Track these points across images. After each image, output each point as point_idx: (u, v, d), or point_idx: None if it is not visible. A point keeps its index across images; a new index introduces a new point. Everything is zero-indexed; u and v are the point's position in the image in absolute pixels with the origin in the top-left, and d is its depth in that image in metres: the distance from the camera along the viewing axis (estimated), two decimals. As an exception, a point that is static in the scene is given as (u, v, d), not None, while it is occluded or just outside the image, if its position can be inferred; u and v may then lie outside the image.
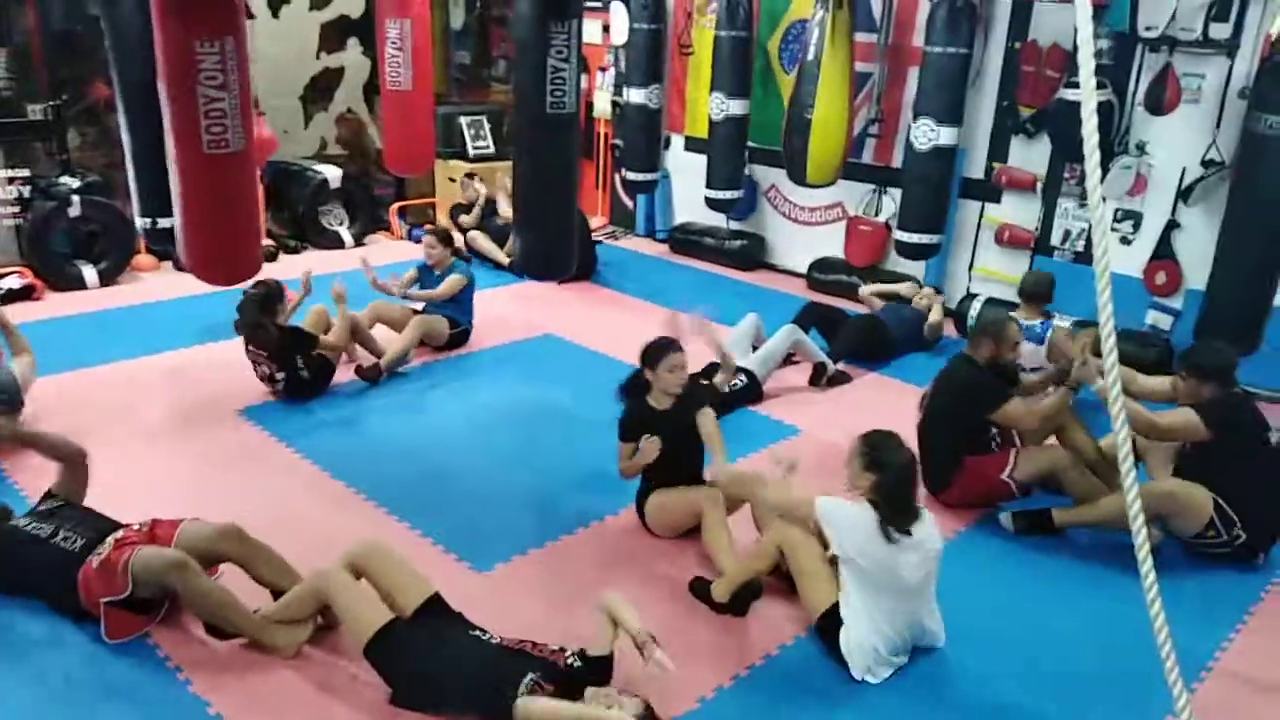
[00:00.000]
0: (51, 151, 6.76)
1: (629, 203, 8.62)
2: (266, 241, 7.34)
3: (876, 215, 6.96)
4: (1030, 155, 6.20)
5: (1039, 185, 6.16)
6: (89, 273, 6.45)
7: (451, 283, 5.62)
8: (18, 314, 5.74)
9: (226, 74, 3.24)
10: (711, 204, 7.18)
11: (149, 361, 5.29)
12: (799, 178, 6.37)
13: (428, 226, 6.74)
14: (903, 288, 6.24)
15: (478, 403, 5.05)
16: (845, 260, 7.07)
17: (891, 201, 6.78)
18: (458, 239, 6.60)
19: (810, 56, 6.13)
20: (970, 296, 6.29)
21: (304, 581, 3.08)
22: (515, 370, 5.53)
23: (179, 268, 6.80)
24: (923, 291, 6.17)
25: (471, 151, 8.47)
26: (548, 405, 5.05)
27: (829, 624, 3.08)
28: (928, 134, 5.84)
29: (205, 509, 3.37)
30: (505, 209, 7.51)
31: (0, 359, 4.50)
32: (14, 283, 6.11)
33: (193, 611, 3.09)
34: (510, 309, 6.48)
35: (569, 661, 2.76)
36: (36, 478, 3.72)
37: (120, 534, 3.15)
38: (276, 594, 3.15)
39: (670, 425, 3.66)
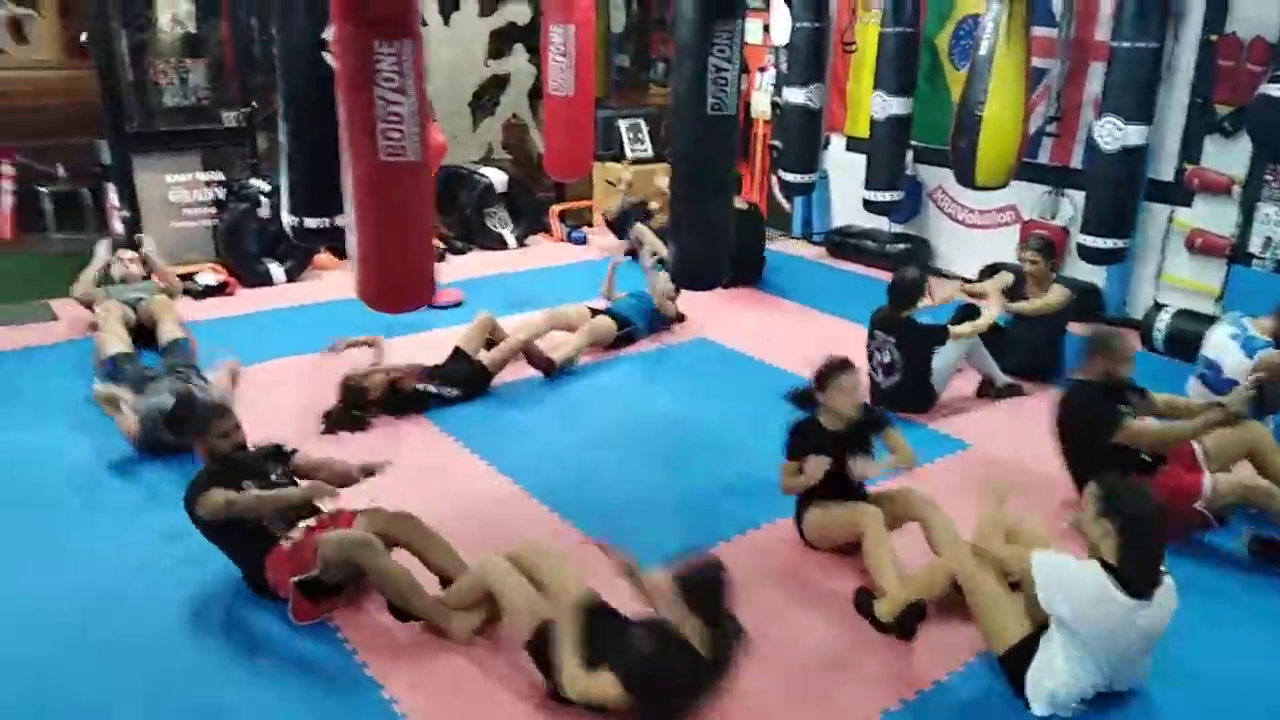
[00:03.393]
0: (243, 156, 7.26)
1: (785, 204, 8.51)
2: (435, 243, 7.64)
3: (1053, 218, 6.60)
4: (1227, 156, 5.74)
5: (1236, 188, 5.69)
6: (276, 270, 6.88)
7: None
8: (213, 309, 6.25)
9: (405, 78, 3.12)
10: (870, 206, 6.97)
11: (330, 354, 5.58)
12: (968, 179, 6.11)
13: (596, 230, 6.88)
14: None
15: (634, 404, 5.09)
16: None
17: (1070, 204, 6.41)
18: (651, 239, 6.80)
19: (983, 51, 5.87)
20: (1158, 307, 5.87)
21: (469, 571, 3.18)
22: (670, 372, 5.55)
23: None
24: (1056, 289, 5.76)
25: (630, 154, 8.56)
26: (701, 409, 5.03)
27: (1016, 659, 2.89)
28: (1114, 133, 5.49)
29: (381, 498, 3.53)
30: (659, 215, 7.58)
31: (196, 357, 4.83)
32: (210, 279, 6.58)
33: (378, 590, 3.24)
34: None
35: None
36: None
37: (312, 520, 3.34)
38: (445, 581, 3.27)
39: (840, 447, 3.54)
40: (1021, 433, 4.66)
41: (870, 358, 4.93)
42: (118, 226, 6.18)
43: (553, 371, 5.30)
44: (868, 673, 3.05)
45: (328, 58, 3.77)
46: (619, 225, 7.80)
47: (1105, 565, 2.70)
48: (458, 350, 5.16)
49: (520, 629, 2.91)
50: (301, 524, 3.34)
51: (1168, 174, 5.99)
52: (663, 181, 7.39)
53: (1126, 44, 5.39)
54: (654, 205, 7.64)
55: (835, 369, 3.57)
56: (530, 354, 5.31)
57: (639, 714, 2.70)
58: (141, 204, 6.73)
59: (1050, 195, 6.60)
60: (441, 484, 4.18)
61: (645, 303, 6.00)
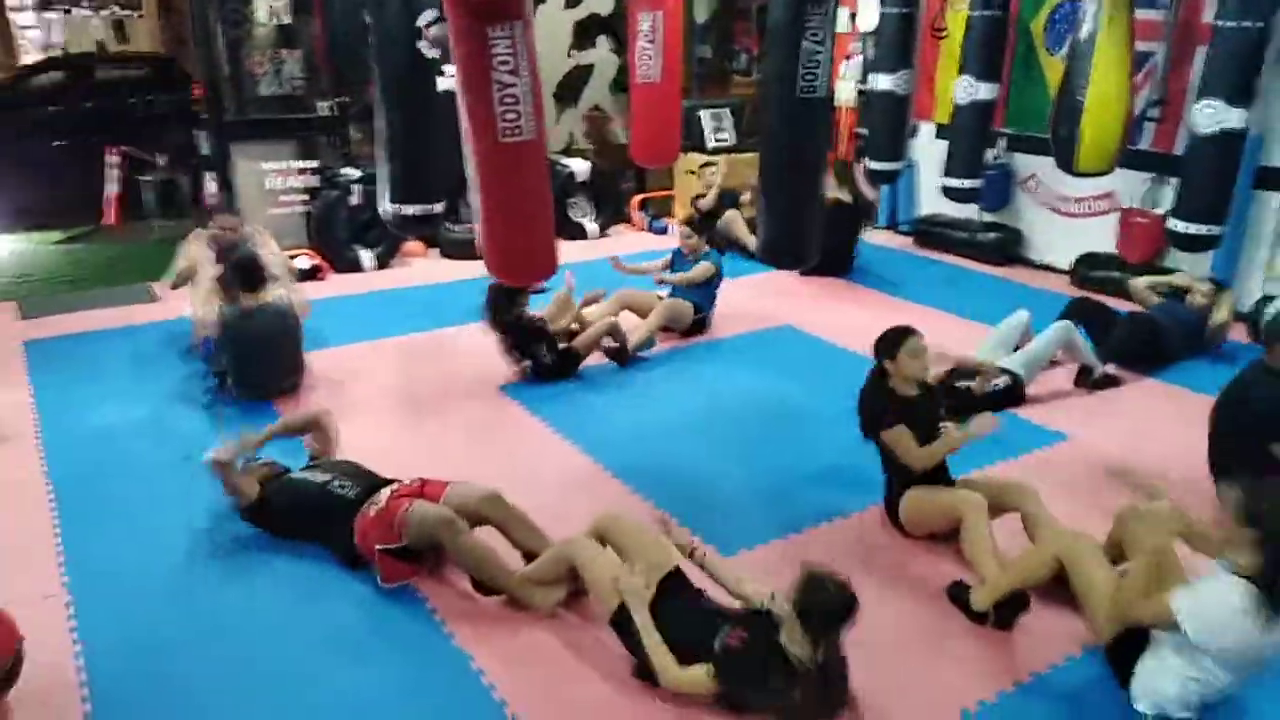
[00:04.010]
0: (335, 145, 7.44)
1: (871, 193, 8.36)
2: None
3: (1154, 207, 6.35)
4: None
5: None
6: (366, 257, 7.03)
7: (702, 269, 5.73)
8: (306, 293, 6.40)
9: (518, 59, 3.18)
10: (949, 193, 6.78)
11: (418, 338, 5.70)
12: (1069, 165, 5.90)
13: (676, 219, 6.87)
14: (1178, 277, 5.62)
15: (717, 390, 5.05)
16: (1118, 255, 6.51)
17: (1173, 192, 6.15)
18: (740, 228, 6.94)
19: (1084, 35, 5.66)
20: (1267, 299, 5.61)
21: (554, 547, 3.18)
22: (754, 360, 5.50)
23: (445, 254, 7.34)
24: (1202, 288, 5.54)
25: (711, 143, 8.51)
26: (785, 396, 4.98)
27: (1122, 651, 2.76)
28: (1213, 116, 5.25)
29: (467, 473, 3.58)
30: (747, 207, 7.53)
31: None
32: (303, 264, 6.74)
33: (459, 566, 3.28)
34: (753, 298, 6.47)
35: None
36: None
37: (395, 487, 3.40)
38: (529, 557, 3.29)
39: (920, 413, 3.49)
40: (1121, 423, 4.50)
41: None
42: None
43: (625, 360, 5.29)
44: (963, 663, 2.96)
45: (423, 46, 3.85)
46: (713, 215, 7.72)
47: (1242, 576, 2.46)
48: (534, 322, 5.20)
49: (605, 604, 2.91)
50: (385, 490, 3.39)
51: (1280, 160, 5.72)
52: (751, 177, 7.37)
53: (1230, 23, 5.15)
54: (745, 197, 7.59)
55: (902, 333, 3.53)
56: (609, 343, 5.32)
57: (728, 699, 2.68)
58: (238, 191, 6.95)
59: (1152, 183, 6.35)
60: (521, 459, 4.22)
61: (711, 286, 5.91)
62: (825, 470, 4.15)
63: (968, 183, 6.64)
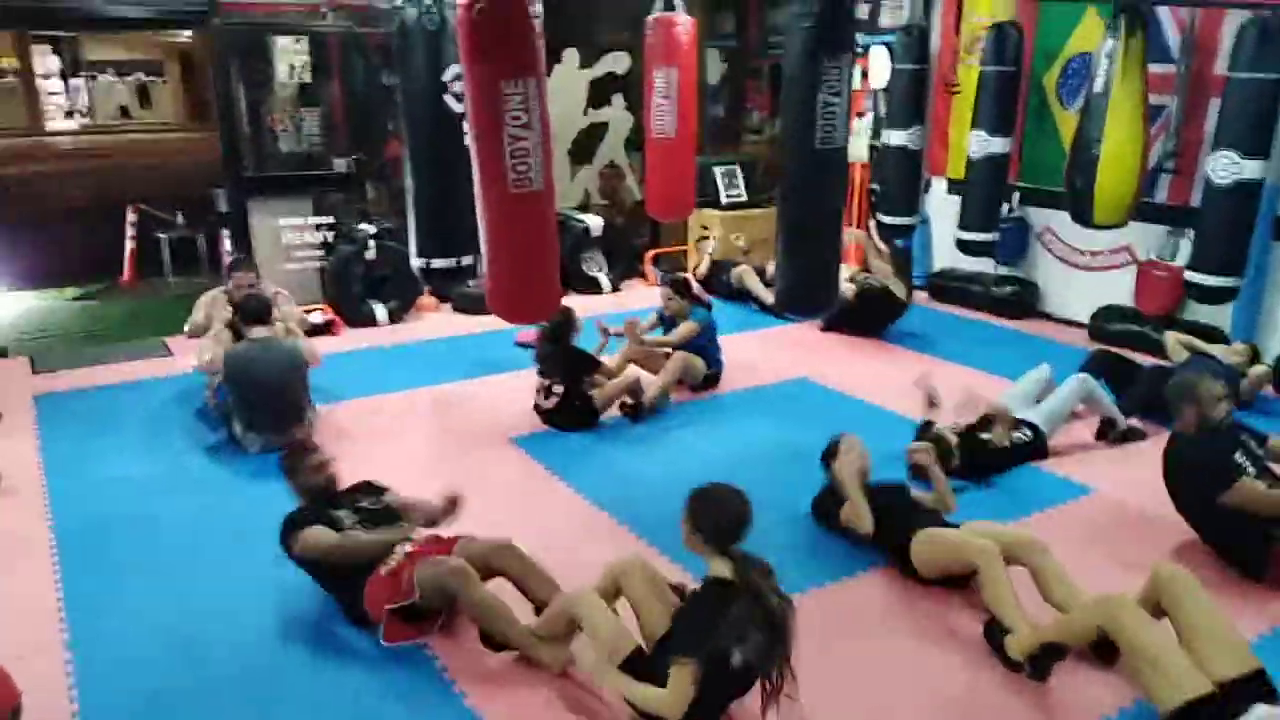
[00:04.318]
0: (351, 201, 7.51)
1: (882, 248, 8.34)
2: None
3: (1173, 259, 6.31)
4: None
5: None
6: (380, 311, 7.04)
7: (683, 330, 5.63)
8: (320, 347, 6.38)
9: (530, 113, 3.29)
10: (964, 246, 6.79)
11: (429, 391, 5.66)
12: (1085, 218, 5.89)
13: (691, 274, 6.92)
14: (1217, 349, 5.51)
15: (734, 442, 4.97)
16: (1135, 308, 6.45)
17: (1190, 244, 6.11)
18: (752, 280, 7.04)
19: (1098, 87, 5.69)
20: (1291, 350, 5.53)
21: (558, 600, 3.09)
22: (771, 411, 5.42)
23: (457, 309, 7.35)
24: (1237, 347, 5.47)
25: (724, 199, 8.57)
26: (803, 448, 4.84)
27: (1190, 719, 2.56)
28: (1229, 167, 5.26)
29: (477, 524, 3.50)
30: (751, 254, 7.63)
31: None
32: (317, 318, 6.74)
33: (470, 619, 3.19)
34: (767, 351, 6.42)
35: None
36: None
37: (408, 546, 3.32)
38: (540, 610, 3.19)
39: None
40: (1145, 475, 4.37)
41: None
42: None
43: (640, 415, 5.22)
44: (998, 715, 2.85)
45: (450, 101, 3.93)
46: (712, 280, 7.81)
47: None
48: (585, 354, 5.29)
49: (610, 661, 2.79)
50: (400, 549, 3.31)
51: (1298, 211, 5.68)
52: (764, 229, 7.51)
53: (1243, 75, 5.18)
54: (741, 243, 7.64)
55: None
56: (626, 400, 5.25)
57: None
58: (254, 247, 6.99)
59: (1169, 235, 6.32)
60: (534, 512, 4.14)
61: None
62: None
63: (983, 236, 6.66)
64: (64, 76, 18.43)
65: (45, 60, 17.07)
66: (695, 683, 2.58)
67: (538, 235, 3.52)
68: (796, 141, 3.95)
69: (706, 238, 8.35)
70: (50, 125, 16.44)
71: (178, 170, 9.44)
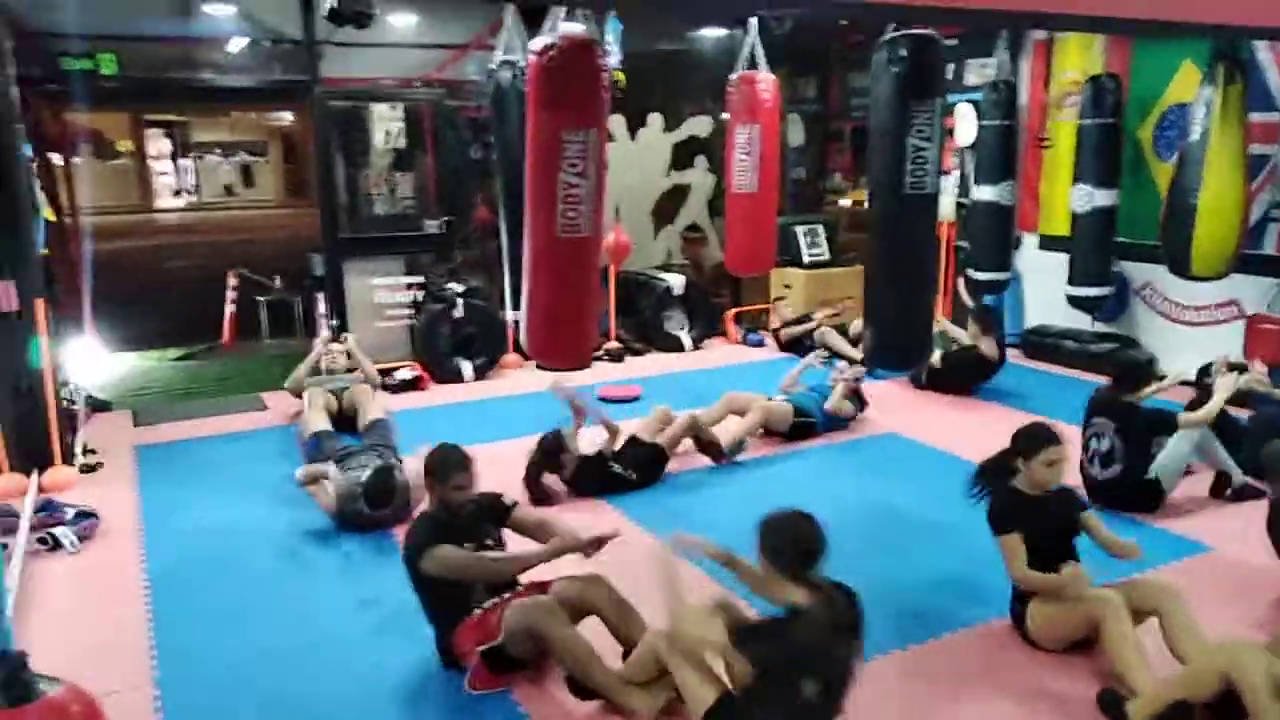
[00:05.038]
0: (441, 261, 7.70)
1: (970, 303, 8.17)
2: (614, 344, 7.77)
3: (1283, 312, 6.02)
4: None
5: None
6: (466, 367, 7.14)
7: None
8: (408, 401, 6.51)
9: (587, 162, 3.32)
10: (1074, 301, 6.60)
11: (515, 444, 5.66)
12: (1183, 270, 5.68)
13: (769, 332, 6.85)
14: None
15: (819, 494, 4.80)
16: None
17: (1302, 296, 5.84)
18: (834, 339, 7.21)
19: (1195, 137, 5.53)
20: None
21: (646, 639, 3.00)
22: (859, 465, 5.30)
23: (540, 366, 7.41)
24: None
25: (806, 258, 8.53)
26: (894, 502, 4.74)
27: None
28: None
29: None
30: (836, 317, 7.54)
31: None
32: (406, 375, 6.90)
33: (556, 660, 3.11)
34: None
35: None
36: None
37: (508, 594, 3.27)
38: (629, 652, 3.10)
39: (1046, 517, 3.25)
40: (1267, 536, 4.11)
41: (1085, 446, 4.53)
42: (325, 333, 6.67)
43: (721, 457, 5.17)
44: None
45: None
46: (793, 345, 7.75)
47: None
48: (634, 438, 5.12)
49: (697, 708, 2.69)
50: (502, 594, 3.27)
51: None
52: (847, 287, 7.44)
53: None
54: (820, 314, 7.61)
55: (1042, 438, 3.29)
56: (700, 438, 5.21)
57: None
58: (348, 306, 7.19)
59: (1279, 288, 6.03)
60: (620, 564, 4.04)
61: (824, 394, 5.80)
62: (943, 579, 3.88)
63: (1096, 290, 6.48)
64: (174, 158, 19.65)
65: (158, 143, 18.21)
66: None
67: (581, 280, 3.53)
68: (886, 186, 3.92)
69: (783, 298, 8.35)
70: (159, 203, 17.40)
71: (275, 241, 9.86)
